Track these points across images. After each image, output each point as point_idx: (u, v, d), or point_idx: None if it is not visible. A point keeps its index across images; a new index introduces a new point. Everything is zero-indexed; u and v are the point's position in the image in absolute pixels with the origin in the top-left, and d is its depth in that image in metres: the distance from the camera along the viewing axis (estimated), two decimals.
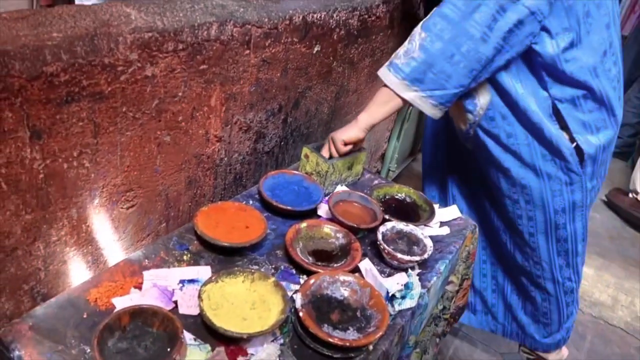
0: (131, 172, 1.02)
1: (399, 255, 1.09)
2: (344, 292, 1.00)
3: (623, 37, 3.61)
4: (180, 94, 1.03)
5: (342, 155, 1.34)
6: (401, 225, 1.20)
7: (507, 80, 1.26)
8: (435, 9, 1.20)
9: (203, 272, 1.00)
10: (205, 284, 0.92)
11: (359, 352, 0.91)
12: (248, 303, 0.93)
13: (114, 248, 1.09)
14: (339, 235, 1.16)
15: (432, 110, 1.25)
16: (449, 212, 1.37)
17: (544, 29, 1.18)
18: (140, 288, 0.94)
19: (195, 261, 1.03)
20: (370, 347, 0.93)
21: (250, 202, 1.25)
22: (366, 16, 1.57)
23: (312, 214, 1.26)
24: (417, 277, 1.10)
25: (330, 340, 0.86)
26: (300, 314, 0.90)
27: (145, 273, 0.96)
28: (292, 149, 1.58)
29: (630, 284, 2.47)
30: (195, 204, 1.26)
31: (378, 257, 1.16)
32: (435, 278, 1.14)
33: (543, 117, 1.29)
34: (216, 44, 1.05)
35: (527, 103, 1.27)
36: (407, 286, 1.06)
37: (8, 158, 0.78)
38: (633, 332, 2.17)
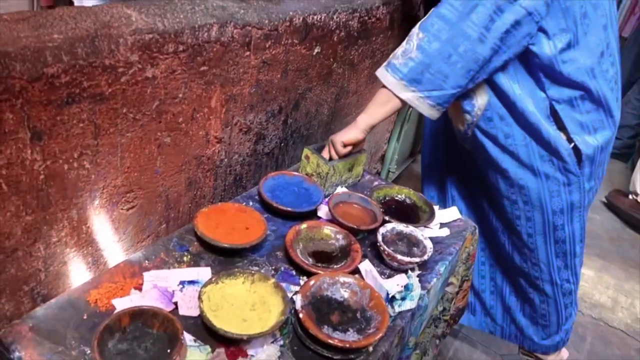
0: (131, 173, 1.02)
1: (399, 257, 1.09)
2: (344, 294, 1.00)
3: (623, 39, 3.63)
4: (180, 95, 1.03)
5: (342, 157, 1.34)
6: (401, 227, 1.20)
7: (505, 81, 1.26)
8: (433, 9, 1.20)
9: (203, 273, 1.00)
10: (205, 285, 0.92)
11: (359, 353, 0.91)
12: (248, 304, 0.93)
13: (114, 249, 1.09)
14: (339, 236, 1.16)
15: (429, 111, 1.25)
16: (449, 214, 1.37)
17: (541, 29, 1.18)
18: (140, 289, 0.94)
19: (195, 262, 1.03)
20: (370, 349, 0.93)
21: (251, 203, 1.25)
22: (366, 18, 1.57)
23: (312, 215, 1.26)
24: (417, 279, 1.10)
25: (330, 341, 0.86)
26: (300, 315, 0.90)
27: (146, 274, 0.96)
28: (292, 150, 1.58)
29: (630, 286, 2.47)
30: (195, 205, 1.26)
31: (378, 258, 1.16)
32: (435, 279, 1.14)
33: (541, 118, 1.30)
34: (216, 46, 1.06)
35: (525, 104, 1.28)
36: (407, 287, 1.06)
37: (9, 159, 0.78)
38: (633, 333, 2.17)
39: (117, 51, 0.85)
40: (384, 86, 1.26)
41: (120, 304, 0.89)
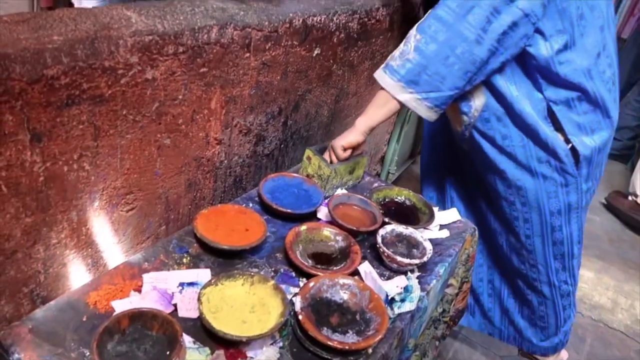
0: (131, 174, 1.02)
1: (399, 258, 1.09)
2: (343, 295, 1.00)
3: (622, 40, 3.63)
4: (180, 96, 1.04)
5: (342, 160, 1.34)
6: (401, 228, 1.20)
7: (502, 82, 1.27)
8: (430, 10, 1.20)
9: (203, 275, 1.00)
10: (204, 286, 0.92)
11: (358, 355, 0.91)
12: (247, 306, 0.93)
13: (113, 251, 1.09)
14: (339, 238, 1.16)
15: (427, 113, 1.25)
16: (449, 215, 1.38)
17: (538, 31, 1.18)
18: (139, 291, 0.93)
19: (194, 264, 1.03)
20: (370, 351, 0.93)
21: (250, 204, 1.25)
22: (366, 19, 1.57)
23: (312, 216, 1.26)
24: (417, 280, 1.10)
25: (330, 343, 0.86)
26: (300, 317, 0.90)
27: (145, 276, 0.96)
28: (292, 152, 1.58)
29: (630, 287, 2.47)
30: (195, 206, 1.26)
31: (377, 260, 1.16)
32: (434, 281, 1.14)
33: (538, 119, 1.30)
34: (216, 47, 1.06)
35: (522, 105, 1.28)
36: (406, 289, 1.06)
37: (8, 161, 0.78)
38: (633, 335, 2.17)
39: (116, 53, 0.85)
40: (382, 88, 1.26)
41: (120, 306, 0.89)
